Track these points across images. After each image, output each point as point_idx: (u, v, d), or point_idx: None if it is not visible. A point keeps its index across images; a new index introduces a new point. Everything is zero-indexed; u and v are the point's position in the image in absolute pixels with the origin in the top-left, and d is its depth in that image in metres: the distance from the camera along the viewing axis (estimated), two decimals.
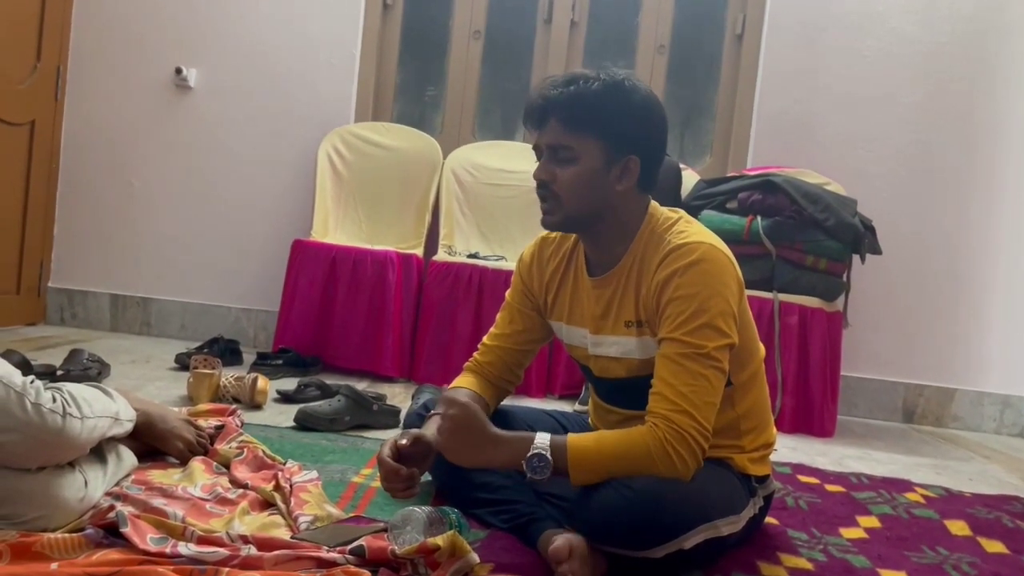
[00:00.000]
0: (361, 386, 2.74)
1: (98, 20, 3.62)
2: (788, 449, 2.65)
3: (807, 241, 3.00)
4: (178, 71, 3.56)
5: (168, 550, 1.22)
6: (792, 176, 3.13)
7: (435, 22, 3.78)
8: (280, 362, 2.99)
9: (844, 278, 3.11)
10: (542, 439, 1.35)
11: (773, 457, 2.03)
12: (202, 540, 1.26)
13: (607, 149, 1.44)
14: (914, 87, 3.49)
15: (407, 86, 3.85)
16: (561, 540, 1.29)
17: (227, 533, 1.28)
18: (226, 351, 3.09)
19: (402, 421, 2.37)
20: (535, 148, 1.51)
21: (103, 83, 3.64)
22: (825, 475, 2.20)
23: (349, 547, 1.28)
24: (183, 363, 2.87)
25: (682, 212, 1.55)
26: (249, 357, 3.14)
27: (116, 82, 3.63)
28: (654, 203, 1.55)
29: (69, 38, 3.61)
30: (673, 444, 1.32)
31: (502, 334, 1.71)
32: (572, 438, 1.36)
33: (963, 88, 3.48)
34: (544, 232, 1.69)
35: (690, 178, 3.35)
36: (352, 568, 1.21)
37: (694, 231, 1.48)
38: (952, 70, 3.47)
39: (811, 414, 2.99)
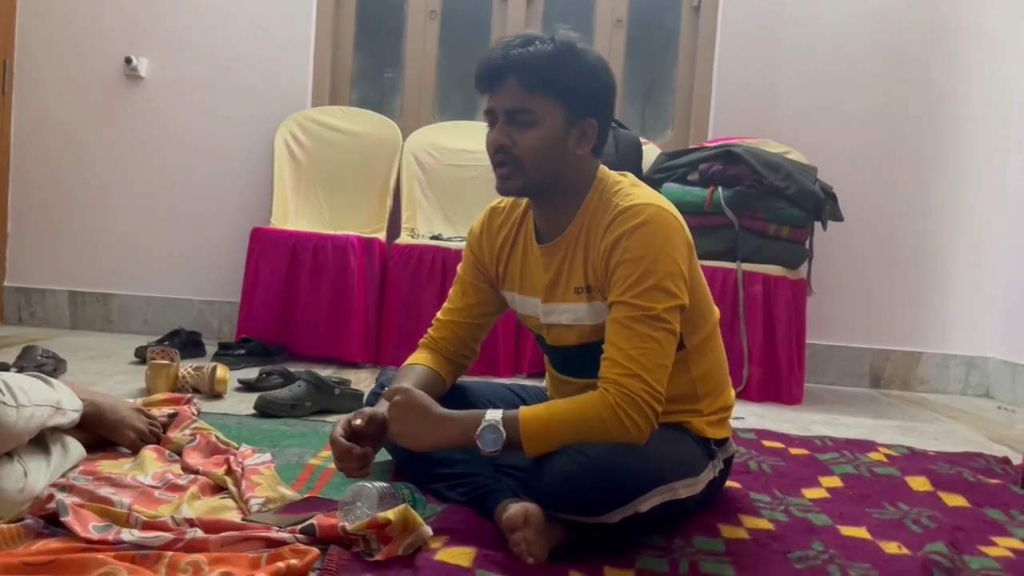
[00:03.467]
0: (327, 373, 2.71)
1: (44, 11, 3.53)
2: (756, 417, 2.65)
3: (769, 209, 3.00)
4: (128, 61, 3.49)
5: (111, 537, 1.19)
6: (753, 146, 3.12)
7: (390, 4, 3.73)
8: (243, 352, 2.95)
9: (807, 246, 3.11)
10: (493, 413, 1.33)
11: (738, 425, 2.03)
12: (147, 526, 1.23)
13: (566, 112, 1.41)
14: (872, 54, 3.49)
15: (365, 70, 3.80)
16: (516, 508, 1.27)
17: (172, 517, 1.25)
18: (188, 343, 3.04)
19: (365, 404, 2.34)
20: (487, 113, 1.46)
21: (52, 75, 3.55)
22: (789, 439, 2.20)
23: (300, 526, 1.26)
24: (143, 356, 2.82)
25: (630, 175, 1.53)
26: (213, 349, 3.10)
27: (65, 74, 3.55)
28: (603, 167, 1.53)
29: (15, 31, 3.52)
30: (625, 408, 1.30)
31: (455, 308, 1.68)
32: (524, 409, 1.35)
33: (921, 55, 3.49)
34: (493, 203, 1.67)
35: (651, 152, 3.33)
36: (300, 546, 1.18)
37: (641, 194, 1.46)
38: (908, 35, 3.48)
39: (779, 382, 3.00)
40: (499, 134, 1.43)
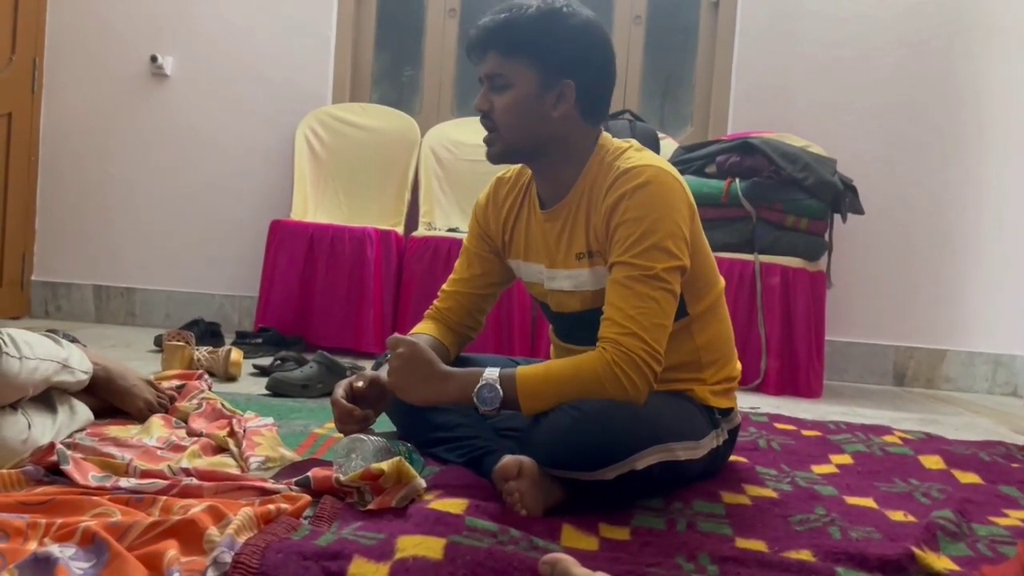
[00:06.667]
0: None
1: (73, 10, 3.61)
2: (772, 408, 2.61)
3: (786, 201, 2.97)
4: (153, 59, 3.56)
5: (109, 485, 1.20)
6: (771, 138, 3.10)
7: (410, 2, 3.77)
8: (260, 341, 2.97)
9: (826, 238, 3.08)
10: (491, 372, 1.33)
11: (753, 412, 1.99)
12: (144, 475, 1.24)
13: (540, 73, 1.42)
14: (892, 47, 3.46)
15: (385, 69, 3.83)
16: (509, 459, 1.27)
17: (168, 467, 1.26)
18: (207, 333, 3.08)
19: None
20: (479, 82, 1.49)
21: (80, 73, 3.63)
22: (803, 423, 2.17)
23: (295, 479, 1.26)
24: (161, 345, 2.85)
25: (633, 141, 1.53)
26: (231, 340, 3.12)
27: (93, 72, 3.63)
28: (606, 135, 1.53)
29: (44, 29, 3.60)
30: (622, 366, 1.29)
31: (461, 279, 1.69)
32: (521, 368, 1.35)
33: (941, 47, 3.44)
34: (499, 173, 1.68)
35: (669, 146, 3.32)
36: (292, 493, 1.18)
37: (643, 156, 1.45)
38: (929, 29, 3.44)
39: (796, 375, 2.96)
40: (480, 99, 1.47)
